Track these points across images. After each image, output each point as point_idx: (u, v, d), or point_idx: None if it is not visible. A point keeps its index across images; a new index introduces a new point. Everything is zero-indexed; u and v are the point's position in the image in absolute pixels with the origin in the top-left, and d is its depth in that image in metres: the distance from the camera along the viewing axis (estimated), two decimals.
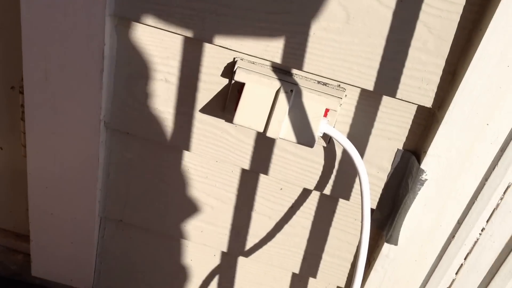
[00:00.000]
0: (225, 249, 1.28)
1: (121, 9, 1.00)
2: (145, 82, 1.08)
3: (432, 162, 1.03)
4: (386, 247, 1.15)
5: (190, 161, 1.17)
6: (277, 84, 1.01)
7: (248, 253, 1.27)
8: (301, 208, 1.19)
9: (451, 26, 0.93)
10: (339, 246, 1.22)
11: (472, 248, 1.13)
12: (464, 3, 0.91)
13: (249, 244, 1.26)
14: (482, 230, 1.11)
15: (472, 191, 1.06)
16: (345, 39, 0.97)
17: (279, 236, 1.23)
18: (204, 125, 1.11)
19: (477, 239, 1.12)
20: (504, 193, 1.05)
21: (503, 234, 1.11)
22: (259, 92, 1.01)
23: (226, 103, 1.07)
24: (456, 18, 0.92)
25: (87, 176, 1.19)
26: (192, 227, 1.26)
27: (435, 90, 0.99)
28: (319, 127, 1.01)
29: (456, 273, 1.17)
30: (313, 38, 0.98)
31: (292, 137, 1.02)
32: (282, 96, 1.01)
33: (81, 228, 1.28)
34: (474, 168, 1.03)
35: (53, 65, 1.07)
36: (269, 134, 1.01)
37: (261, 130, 1.02)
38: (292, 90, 1.01)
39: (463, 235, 1.11)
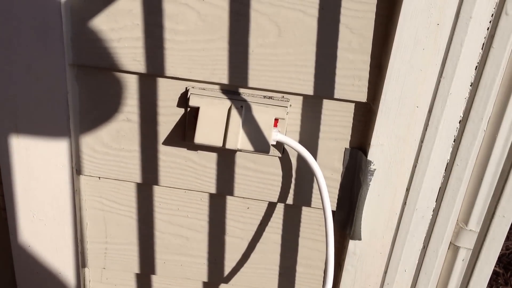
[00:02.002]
0: (205, 279, 1.35)
1: (79, 57, 1.12)
2: (110, 124, 1.19)
3: (376, 152, 1.14)
4: (352, 244, 1.23)
5: (161, 195, 1.26)
6: (228, 102, 1.13)
7: (227, 279, 1.34)
8: (269, 223, 1.27)
9: (369, 24, 1.06)
10: (310, 255, 1.30)
11: (429, 230, 1.22)
12: (376, 2, 1.04)
13: (227, 269, 1.33)
14: (433, 211, 1.20)
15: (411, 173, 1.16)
16: (280, 51, 1.09)
17: (253, 256, 1.31)
18: (169, 157, 1.21)
19: (430, 221, 1.21)
20: (445, 170, 1.16)
21: (452, 210, 1.20)
22: (213, 112, 1.12)
23: (185, 131, 1.18)
24: (372, 16, 1.06)
25: (65, 226, 1.27)
26: (172, 262, 1.33)
27: (367, 84, 1.11)
28: (271, 133, 1.12)
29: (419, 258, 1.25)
30: (252, 55, 1.10)
31: (249, 146, 1.13)
32: (234, 112, 1.12)
33: (63, 279, 1.34)
34: (413, 150, 1.14)
35: (22, 121, 1.17)
36: (228, 146, 1.12)
37: (220, 145, 1.12)
38: (242, 106, 1.12)
39: (416, 218, 1.20)
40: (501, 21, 1.02)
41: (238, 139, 1.12)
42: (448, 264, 1.29)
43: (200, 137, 1.12)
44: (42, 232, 1.29)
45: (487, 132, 1.13)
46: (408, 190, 1.17)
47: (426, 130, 1.11)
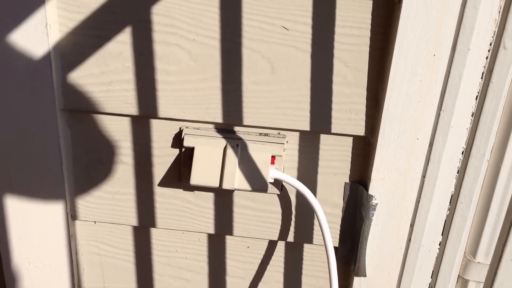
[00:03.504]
0: None
1: (70, 102, 1.11)
2: (103, 167, 1.17)
3: (377, 186, 1.13)
4: (357, 281, 1.21)
5: (158, 237, 1.24)
6: (223, 142, 1.11)
7: None
8: (271, 262, 1.26)
9: (363, 57, 1.05)
10: None
11: (436, 264, 1.20)
12: (369, 34, 1.03)
13: None
14: (439, 244, 1.18)
15: (415, 209, 1.14)
16: (274, 87, 1.08)
17: None
18: (164, 198, 1.20)
19: (437, 255, 1.19)
20: (450, 202, 1.14)
21: (459, 244, 1.18)
22: (209, 152, 1.11)
23: (181, 172, 1.16)
24: (366, 49, 1.05)
25: (61, 272, 1.25)
26: None
27: (364, 118, 1.10)
28: (269, 171, 1.11)
29: None
30: (246, 93, 1.09)
31: (247, 186, 1.11)
32: (230, 151, 1.11)
33: None
34: (415, 183, 1.12)
35: (15, 168, 1.15)
36: (225, 186, 1.10)
37: (217, 185, 1.10)
38: (237, 144, 1.11)
39: (422, 253, 1.18)
40: (499, 55, 1.01)
41: (235, 179, 1.10)
42: None
43: (196, 179, 1.11)
44: (39, 279, 1.27)
45: (490, 163, 1.12)
46: (412, 226, 1.15)
47: (428, 164, 1.10)
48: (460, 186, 1.12)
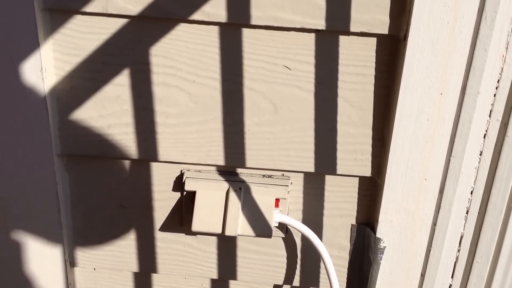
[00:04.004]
0: None
1: (67, 147, 1.06)
2: (102, 213, 1.12)
3: (385, 228, 1.07)
4: None
5: (160, 283, 1.19)
6: (225, 185, 1.06)
7: None
8: None
9: (368, 96, 1.00)
10: None
11: None
12: (374, 73, 0.98)
13: None
14: (449, 287, 1.12)
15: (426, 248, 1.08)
16: (277, 128, 1.03)
17: None
18: (166, 243, 1.14)
19: None
20: (460, 244, 1.08)
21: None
22: (211, 196, 1.05)
23: (182, 216, 1.11)
24: (371, 88, 1.00)
25: None
26: None
27: (370, 158, 1.04)
28: (273, 216, 1.05)
29: None
30: (248, 134, 1.04)
31: (250, 232, 1.05)
32: (232, 195, 1.05)
33: None
34: (425, 225, 1.06)
35: (12, 215, 1.10)
36: (228, 233, 1.04)
37: (220, 232, 1.05)
38: (240, 188, 1.05)
39: None
40: None
41: (238, 225, 1.05)
42: None
43: (198, 225, 1.05)
44: None
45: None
46: (423, 275, 1.09)
47: (438, 212, 1.04)
48: (476, 245, 1.07)
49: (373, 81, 0.99)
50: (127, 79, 1.01)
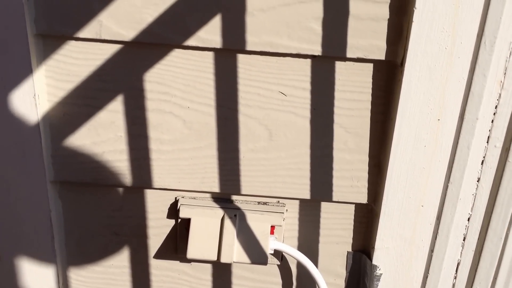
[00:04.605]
0: None
1: (60, 174, 1.01)
2: (97, 240, 1.07)
3: (381, 256, 1.03)
4: None
5: None
6: (220, 212, 1.01)
7: None
8: None
9: (364, 122, 0.96)
10: None
11: None
12: (370, 99, 0.94)
13: None
14: None
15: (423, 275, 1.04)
16: (272, 155, 0.99)
17: None
18: (161, 271, 1.09)
19: None
20: (456, 271, 1.04)
21: None
22: (206, 223, 1.01)
23: (177, 243, 1.06)
24: (367, 114, 0.96)
25: None
26: None
27: (367, 185, 1.00)
28: (268, 244, 1.00)
29: None
30: (243, 161, 0.99)
31: (246, 259, 1.01)
32: (227, 223, 1.01)
33: None
34: (421, 252, 1.02)
35: (4, 244, 1.05)
36: (223, 260, 1.00)
37: (215, 259, 1.00)
38: (235, 215, 1.01)
39: None
40: None
41: (233, 252, 1.00)
42: None
43: (193, 252, 1.01)
44: None
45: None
46: None
47: (436, 238, 1.00)
48: (476, 271, 1.02)
49: (369, 107, 0.95)
50: (121, 105, 0.96)
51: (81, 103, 0.96)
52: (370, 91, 0.94)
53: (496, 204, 0.96)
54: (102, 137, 0.98)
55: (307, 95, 0.94)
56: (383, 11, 0.86)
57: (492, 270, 1.02)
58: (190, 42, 0.90)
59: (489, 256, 1.01)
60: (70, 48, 0.93)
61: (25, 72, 0.93)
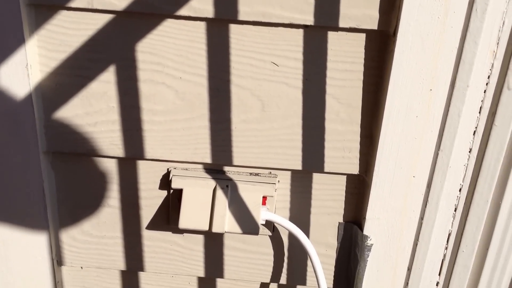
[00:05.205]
0: None
1: (53, 144, 0.98)
2: (89, 211, 1.05)
3: (373, 226, 1.01)
4: None
5: (147, 281, 1.12)
6: (212, 183, 0.99)
7: None
8: None
9: (356, 93, 0.94)
10: None
11: None
12: (362, 69, 0.92)
13: None
14: (437, 285, 1.06)
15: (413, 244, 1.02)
16: (265, 126, 0.96)
17: None
18: (153, 242, 1.07)
19: None
20: (447, 241, 1.02)
21: (457, 283, 1.06)
22: (198, 194, 0.98)
23: (169, 214, 1.04)
24: (359, 84, 0.93)
25: None
26: None
27: (358, 156, 0.98)
28: (260, 214, 0.98)
29: None
30: (235, 132, 0.97)
31: (237, 229, 0.99)
32: (219, 193, 0.98)
33: None
34: (412, 222, 1.00)
35: None
36: (215, 229, 0.98)
37: (207, 228, 0.98)
38: (227, 185, 0.99)
39: None
40: (503, 96, 0.89)
41: (225, 222, 0.98)
42: None
43: (185, 222, 0.98)
44: None
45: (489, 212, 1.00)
46: (410, 269, 1.03)
47: (426, 206, 0.98)
48: (461, 235, 1.00)
49: (361, 77, 0.93)
50: (113, 76, 0.93)
51: (74, 74, 0.94)
52: (363, 61, 0.91)
53: (482, 168, 0.94)
54: (95, 107, 0.96)
55: (300, 65, 0.92)
56: None
57: (478, 234, 1.00)
58: (183, 11, 0.87)
59: (476, 219, 0.99)
60: (62, 18, 0.90)
61: (17, 42, 0.90)
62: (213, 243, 1.07)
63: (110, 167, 1.01)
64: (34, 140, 0.97)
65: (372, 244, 1.02)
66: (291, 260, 1.08)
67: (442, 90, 0.89)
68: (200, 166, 1.01)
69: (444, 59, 0.86)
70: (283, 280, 1.09)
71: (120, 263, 1.09)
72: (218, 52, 0.91)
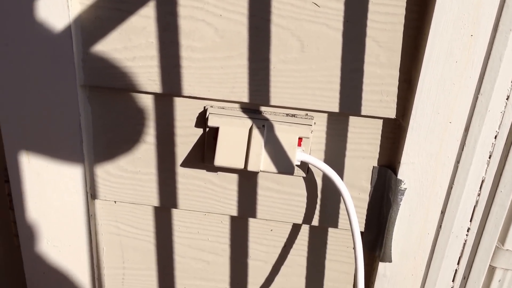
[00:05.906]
0: None
1: (91, 78, 1.03)
2: (125, 147, 1.10)
3: (407, 171, 1.05)
4: (382, 267, 1.14)
5: (180, 218, 1.18)
6: (249, 122, 1.04)
7: None
8: (294, 245, 1.19)
9: (397, 37, 0.97)
10: (337, 278, 1.21)
11: (462, 250, 1.13)
12: (404, 13, 0.95)
13: None
14: (468, 230, 1.11)
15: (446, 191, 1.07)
16: (303, 67, 1.00)
17: (278, 279, 1.23)
18: (187, 179, 1.13)
19: (465, 241, 1.12)
20: (480, 188, 1.06)
21: (487, 229, 1.11)
22: (234, 132, 1.03)
23: (204, 152, 1.09)
24: (400, 28, 0.97)
25: (80, 252, 1.18)
26: (193, 287, 1.24)
27: (396, 100, 1.02)
28: (295, 154, 1.03)
29: (453, 280, 1.16)
30: (274, 72, 1.01)
31: (272, 168, 1.04)
32: (255, 132, 1.03)
33: None
34: (447, 168, 1.04)
35: (34, 145, 1.09)
36: (250, 168, 1.03)
37: (242, 167, 1.03)
38: (264, 125, 1.03)
39: (451, 240, 1.11)
40: None
41: (261, 161, 1.03)
42: (484, 286, 1.20)
43: (220, 160, 1.04)
44: (57, 258, 1.21)
45: None
46: (443, 212, 1.08)
47: (462, 150, 1.02)
48: (500, 175, 1.05)
49: (403, 21, 0.96)
50: (153, 11, 0.98)
51: (113, 7, 0.98)
52: (405, 4, 0.95)
53: None
54: (134, 42, 1.00)
55: (341, 6, 0.96)
56: None
57: None
58: None
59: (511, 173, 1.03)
60: None
61: None
62: (247, 183, 1.13)
63: (146, 103, 1.07)
64: (72, 74, 1.03)
65: (405, 189, 1.07)
66: (324, 202, 1.13)
67: (482, 36, 0.92)
68: (237, 105, 1.06)
69: (486, 4, 0.90)
70: (315, 222, 1.15)
71: (153, 199, 1.16)
72: None
